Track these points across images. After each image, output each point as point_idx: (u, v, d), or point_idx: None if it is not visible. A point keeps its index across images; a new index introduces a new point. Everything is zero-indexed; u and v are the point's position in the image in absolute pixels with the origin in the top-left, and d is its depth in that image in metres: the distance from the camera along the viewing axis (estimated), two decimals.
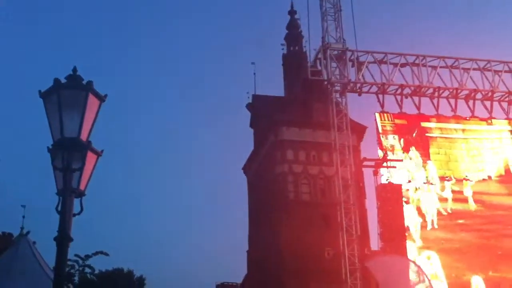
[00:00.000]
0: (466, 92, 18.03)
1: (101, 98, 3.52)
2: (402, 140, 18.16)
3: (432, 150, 18.60)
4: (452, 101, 18.04)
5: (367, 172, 18.36)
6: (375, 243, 17.28)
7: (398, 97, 17.75)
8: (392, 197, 16.90)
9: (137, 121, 57.43)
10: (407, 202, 17.29)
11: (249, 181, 18.84)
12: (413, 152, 18.27)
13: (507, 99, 18.37)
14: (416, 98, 17.96)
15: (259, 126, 18.44)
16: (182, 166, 54.79)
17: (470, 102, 18.18)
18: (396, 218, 16.60)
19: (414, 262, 16.18)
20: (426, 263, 16.83)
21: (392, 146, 17.89)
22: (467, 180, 18.49)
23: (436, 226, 17.40)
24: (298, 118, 18.00)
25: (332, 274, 16.19)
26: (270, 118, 17.99)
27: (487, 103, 18.28)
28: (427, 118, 18.58)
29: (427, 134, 18.68)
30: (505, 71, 18.26)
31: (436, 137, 18.88)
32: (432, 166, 18.38)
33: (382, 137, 17.97)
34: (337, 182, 16.77)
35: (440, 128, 18.95)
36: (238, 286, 18.87)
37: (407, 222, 16.93)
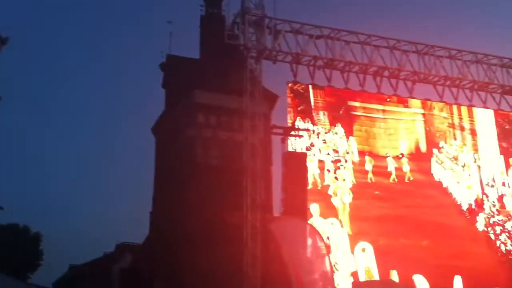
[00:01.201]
0: (374, 68, 18.26)
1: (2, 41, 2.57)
2: (326, 114, 18.78)
3: (355, 127, 19.41)
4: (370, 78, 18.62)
5: (277, 140, 18.09)
6: (278, 209, 17.16)
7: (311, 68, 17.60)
8: (297, 164, 16.72)
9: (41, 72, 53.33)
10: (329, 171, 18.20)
11: (158, 142, 17.88)
12: (339, 128, 19.05)
13: (411, 78, 18.94)
14: (328, 71, 17.97)
15: (171, 87, 17.42)
16: (87, 124, 51.87)
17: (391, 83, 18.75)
18: (299, 185, 16.48)
19: (311, 225, 16.22)
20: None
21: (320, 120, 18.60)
22: (387, 156, 19.71)
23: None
24: (212, 82, 17.16)
25: (235, 239, 15.84)
26: (184, 80, 17.04)
27: (393, 81, 18.74)
28: (354, 98, 19.27)
29: (352, 112, 19.44)
30: (412, 51, 18.74)
31: (360, 115, 19.65)
32: (354, 142, 19.23)
33: (314, 112, 18.52)
34: (246, 148, 16.38)
35: (364, 108, 19.72)
36: (139, 246, 18.08)
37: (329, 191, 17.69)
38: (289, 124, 17.42)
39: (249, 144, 16.15)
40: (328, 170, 18.40)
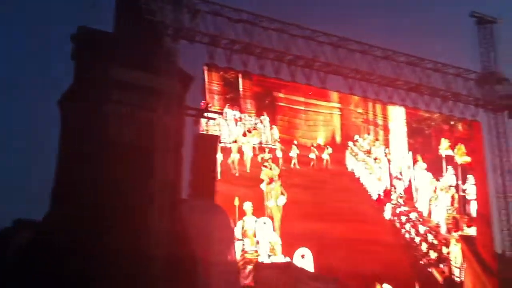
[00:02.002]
0: (290, 57, 18.03)
1: None
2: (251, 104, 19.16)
3: (278, 117, 19.74)
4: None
5: (190, 122, 17.51)
6: (187, 191, 16.54)
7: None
8: (207, 147, 16.16)
9: None
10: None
11: (63, 117, 16.70)
12: (264, 117, 19.39)
13: (324, 69, 18.90)
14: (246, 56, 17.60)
15: (82, 60, 16.31)
16: None
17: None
18: (208, 167, 15.96)
19: (220, 208, 15.75)
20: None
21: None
22: (308, 146, 20.31)
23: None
24: (127, 57, 16.15)
25: (142, 219, 15.13)
26: (96, 54, 16.00)
27: (307, 71, 18.63)
28: (279, 89, 19.63)
29: (277, 103, 19.75)
30: (327, 43, 18.67)
31: (284, 106, 20.00)
32: (276, 131, 19.54)
33: (242, 100, 18.84)
34: (157, 128, 15.66)
35: (287, 99, 20.08)
36: (37, 223, 16.91)
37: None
38: (218, 109, 17.28)
39: (162, 124, 15.41)
40: (263, 158, 18.86)
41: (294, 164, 19.85)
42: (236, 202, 17.51)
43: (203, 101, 17.59)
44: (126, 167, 15.63)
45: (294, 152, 19.95)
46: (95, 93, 16.26)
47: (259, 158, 18.93)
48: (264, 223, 18.03)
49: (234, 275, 14.09)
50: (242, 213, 17.57)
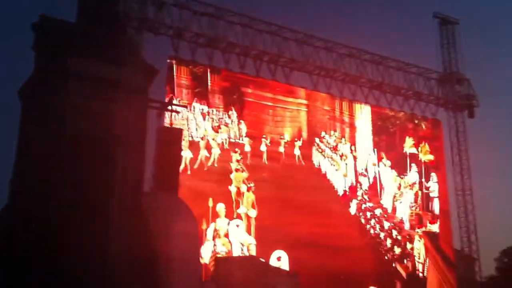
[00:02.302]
0: (255, 52, 17.80)
1: None
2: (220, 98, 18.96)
3: (246, 112, 19.48)
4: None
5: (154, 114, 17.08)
6: (150, 184, 16.12)
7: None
8: (171, 140, 15.79)
9: None
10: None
11: (24, 107, 16.10)
12: (232, 112, 19.12)
13: (289, 65, 18.75)
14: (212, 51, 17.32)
15: (43, 50, 15.74)
16: None
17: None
18: (172, 161, 15.59)
19: (183, 202, 15.39)
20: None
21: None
22: (282, 139, 20.31)
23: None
24: (89, 48, 15.67)
25: (103, 212, 14.66)
26: (58, 44, 15.45)
27: (272, 67, 18.47)
28: (247, 84, 19.37)
29: (245, 98, 19.51)
30: (292, 39, 18.52)
31: (251, 101, 19.74)
32: (244, 126, 19.28)
33: (210, 95, 18.60)
34: (120, 120, 15.22)
35: (255, 94, 19.83)
36: None
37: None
38: (186, 103, 16.91)
39: (124, 116, 14.95)
40: (237, 161, 18.73)
41: (264, 159, 19.72)
42: (210, 203, 17.34)
43: (170, 94, 17.19)
44: (86, 159, 15.13)
45: (264, 147, 19.81)
46: (54, 84, 15.71)
47: (233, 161, 18.77)
48: (237, 225, 17.83)
49: (196, 270, 13.70)
50: (215, 215, 17.41)
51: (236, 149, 18.97)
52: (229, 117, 19.15)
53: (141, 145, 16.09)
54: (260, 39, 17.77)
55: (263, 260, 16.58)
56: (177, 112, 16.36)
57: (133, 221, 14.77)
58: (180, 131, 16.11)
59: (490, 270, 27.65)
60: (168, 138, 15.77)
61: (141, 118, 15.93)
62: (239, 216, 18.10)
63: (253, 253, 17.38)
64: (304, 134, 21.19)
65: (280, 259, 17.88)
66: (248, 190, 18.53)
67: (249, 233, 17.97)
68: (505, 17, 45.65)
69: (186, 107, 17.15)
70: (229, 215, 17.82)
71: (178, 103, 16.60)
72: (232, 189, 18.39)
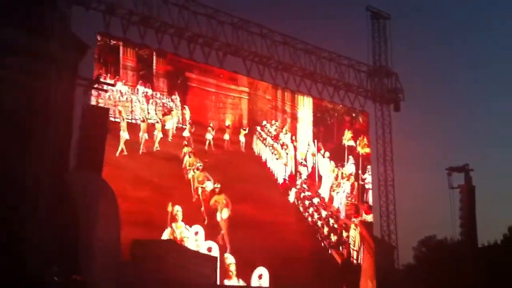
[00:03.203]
0: (189, 34, 17.08)
1: None
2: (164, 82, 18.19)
3: (189, 97, 18.71)
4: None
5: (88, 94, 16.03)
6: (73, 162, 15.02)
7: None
8: (97, 119, 14.74)
9: None
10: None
11: None
12: (176, 96, 18.33)
13: (224, 49, 18.16)
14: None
15: None
16: None
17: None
18: (97, 140, 14.53)
19: (106, 182, 14.38)
20: None
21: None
22: (227, 127, 19.61)
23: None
24: (14, 19, 14.54)
25: (24, 191, 13.60)
26: None
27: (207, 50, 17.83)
28: (191, 69, 18.69)
29: (189, 83, 18.75)
30: (228, 23, 17.94)
31: (195, 87, 19.00)
32: (188, 111, 18.51)
33: (155, 78, 17.84)
34: (47, 96, 14.13)
35: (199, 80, 19.09)
36: None
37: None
38: (114, 82, 15.83)
39: (50, 92, 13.84)
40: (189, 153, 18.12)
41: (210, 145, 19.11)
42: (169, 208, 16.58)
43: (99, 71, 16.17)
44: (7, 135, 13.92)
45: (209, 134, 19.16)
46: None
47: (185, 151, 18.12)
48: (197, 232, 17.02)
49: (115, 251, 12.73)
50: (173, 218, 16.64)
51: (185, 142, 18.33)
52: (173, 101, 18.44)
53: (67, 122, 14.99)
54: (195, 21, 17.04)
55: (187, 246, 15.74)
56: (105, 91, 15.34)
57: (56, 200, 13.70)
58: (106, 110, 15.13)
59: (408, 258, 28.12)
60: (94, 117, 14.71)
61: (68, 94, 14.85)
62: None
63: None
64: (245, 122, 20.61)
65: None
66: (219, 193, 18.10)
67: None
68: (435, 17, 47.09)
69: (113, 85, 16.14)
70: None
71: (106, 81, 15.56)
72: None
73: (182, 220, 16.86)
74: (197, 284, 7.18)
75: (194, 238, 16.86)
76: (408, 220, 29.63)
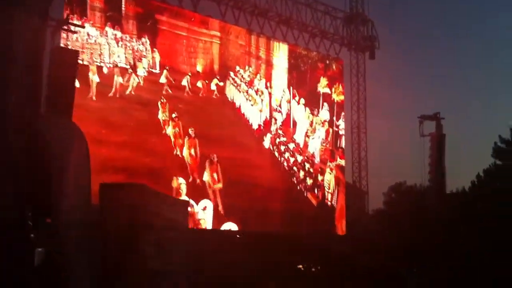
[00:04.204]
0: None
1: None
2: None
3: (159, 41, 17.79)
4: None
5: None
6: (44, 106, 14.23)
7: None
8: (66, 61, 13.74)
9: None
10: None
11: None
12: (146, 39, 17.43)
13: None
14: None
15: None
16: None
17: None
18: (66, 83, 13.64)
19: (77, 126, 13.58)
20: None
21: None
22: (187, 73, 18.57)
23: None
24: None
25: None
26: None
27: None
28: (161, 12, 17.76)
29: (159, 26, 17.80)
30: None
31: (165, 30, 18.07)
32: (158, 55, 17.68)
33: (124, 20, 16.86)
34: (13, 37, 13.10)
35: (170, 23, 18.16)
36: None
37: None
38: (82, 23, 14.73)
39: (21, 36, 12.77)
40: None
41: (187, 92, 18.49)
42: (174, 183, 16.34)
43: (67, 12, 15.13)
44: None
45: (185, 81, 18.49)
46: None
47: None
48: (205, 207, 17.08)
49: (84, 193, 12.14)
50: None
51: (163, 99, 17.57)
52: (143, 44, 17.52)
53: (38, 66, 14.00)
54: None
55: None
56: (74, 32, 14.37)
57: (28, 144, 13.00)
58: (76, 52, 14.20)
59: (378, 204, 28.54)
60: (62, 59, 13.74)
61: (39, 37, 13.77)
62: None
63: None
64: (216, 67, 19.91)
65: (205, 209, 17.35)
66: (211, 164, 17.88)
67: None
68: None
69: (83, 27, 15.20)
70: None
71: (74, 23, 14.55)
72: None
73: (185, 194, 16.77)
74: (171, 228, 6.84)
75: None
76: (379, 167, 29.88)
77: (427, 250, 18.93)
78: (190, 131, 17.92)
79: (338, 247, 19.10)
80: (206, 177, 18.03)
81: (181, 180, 17.16)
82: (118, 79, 16.72)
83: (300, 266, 17.29)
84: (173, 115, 17.69)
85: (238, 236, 17.65)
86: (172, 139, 17.58)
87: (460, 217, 21.45)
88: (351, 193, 22.74)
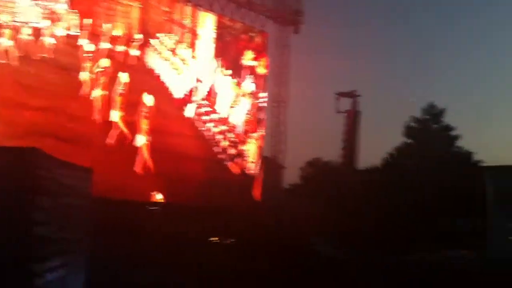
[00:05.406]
0: None
1: None
2: None
3: (77, 1, 16.67)
4: None
5: None
6: None
7: None
8: None
9: None
10: None
11: None
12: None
13: None
14: None
15: None
16: None
17: None
18: None
19: None
20: None
21: None
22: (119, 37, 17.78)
23: None
24: None
25: None
26: None
27: None
28: None
29: None
30: None
31: None
32: (77, 17, 16.53)
33: None
34: None
35: None
36: None
37: None
38: None
39: None
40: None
41: (108, 56, 17.37)
42: None
43: None
44: None
45: (105, 44, 17.33)
46: None
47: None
48: None
49: None
50: None
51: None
52: (61, 5, 16.27)
53: None
54: None
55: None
56: None
57: None
58: None
59: (296, 178, 29.07)
60: None
61: None
62: None
63: None
64: (136, 32, 18.89)
65: None
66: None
67: None
68: None
69: None
70: None
71: None
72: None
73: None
74: (68, 195, 6.34)
75: None
76: (298, 142, 30.31)
77: (339, 223, 19.56)
78: (115, 95, 17.03)
79: (256, 219, 19.33)
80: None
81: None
82: (35, 40, 15.52)
83: (215, 239, 17.20)
84: (101, 80, 16.70)
85: (149, 207, 17.18)
86: (97, 103, 16.68)
87: (371, 193, 22.35)
88: (270, 166, 22.90)
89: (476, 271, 12.36)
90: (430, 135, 26.88)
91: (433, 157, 24.17)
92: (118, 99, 17.16)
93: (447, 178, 22.05)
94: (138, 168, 17.56)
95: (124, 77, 17.51)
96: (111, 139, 16.93)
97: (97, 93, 16.78)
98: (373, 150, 31.61)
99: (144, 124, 17.89)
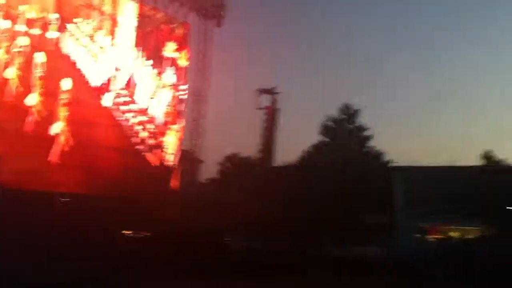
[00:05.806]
0: None
1: None
2: None
3: None
4: None
5: None
6: None
7: None
8: None
9: None
10: None
11: None
12: None
13: None
14: None
15: None
16: None
17: None
18: None
19: None
20: None
21: None
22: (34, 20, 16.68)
23: None
24: None
25: None
26: None
27: None
28: None
29: None
30: None
31: None
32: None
33: None
34: None
35: None
36: None
37: None
38: None
39: None
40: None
41: (23, 38, 16.43)
42: None
43: None
44: None
45: (21, 27, 16.30)
46: None
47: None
48: None
49: None
50: None
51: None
52: None
53: None
54: None
55: None
56: None
57: None
58: None
59: (213, 173, 28.82)
60: None
61: None
62: None
63: None
64: (51, 15, 17.91)
65: None
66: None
67: None
68: None
69: None
70: None
71: None
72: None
73: None
74: None
75: None
76: (218, 136, 29.87)
77: (253, 218, 19.81)
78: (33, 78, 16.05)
79: (170, 213, 19.10)
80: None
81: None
82: None
83: (129, 232, 16.75)
84: (16, 60, 15.56)
85: (60, 199, 16.38)
86: (13, 85, 15.66)
87: (285, 188, 22.78)
88: (187, 160, 22.61)
89: (381, 264, 12.98)
90: (344, 134, 27.95)
91: (344, 155, 25.15)
92: (38, 83, 16.07)
93: (356, 176, 23.03)
94: (53, 157, 16.66)
95: (40, 57, 16.45)
96: (26, 126, 15.89)
97: (11, 72, 15.61)
98: (292, 146, 32.03)
99: (62, 112, 16.98)
